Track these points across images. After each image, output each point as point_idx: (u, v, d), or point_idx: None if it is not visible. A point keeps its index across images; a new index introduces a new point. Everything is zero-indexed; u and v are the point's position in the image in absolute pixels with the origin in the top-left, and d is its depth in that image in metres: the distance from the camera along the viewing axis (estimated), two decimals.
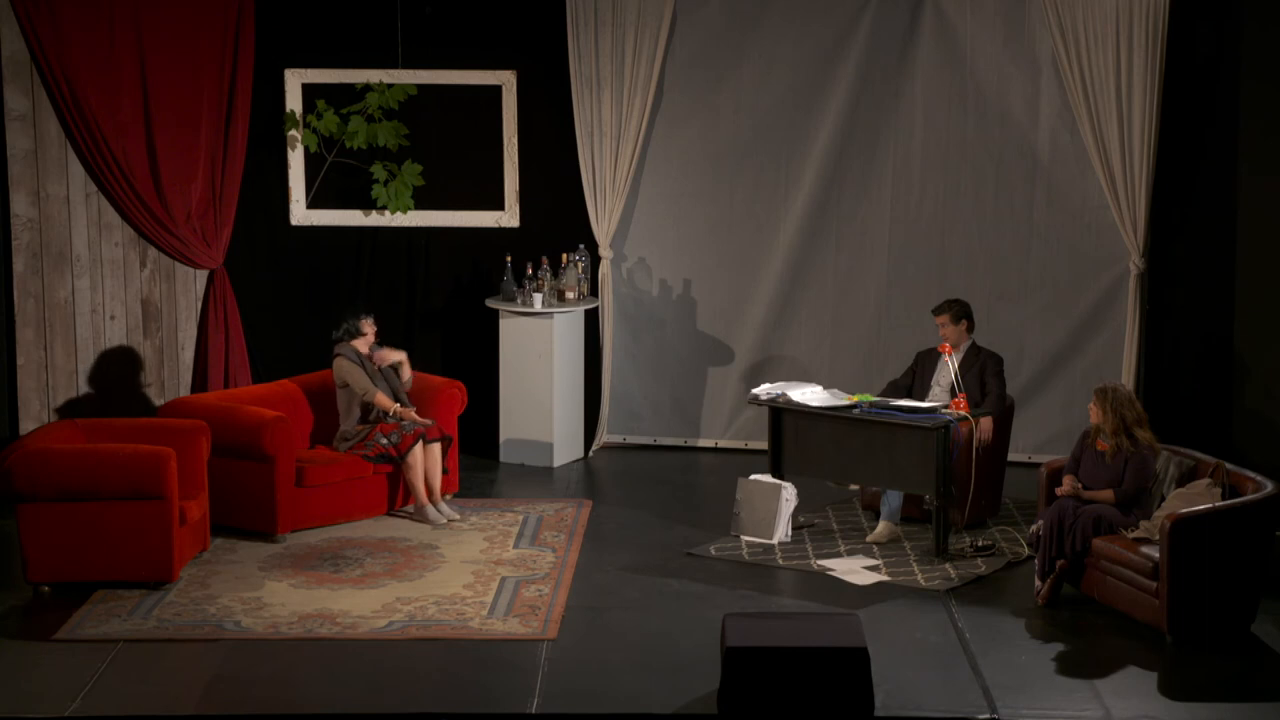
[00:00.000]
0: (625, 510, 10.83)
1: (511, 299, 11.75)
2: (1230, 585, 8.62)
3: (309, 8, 11.86)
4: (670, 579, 9.56)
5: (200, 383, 11.81)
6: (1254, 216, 11.15)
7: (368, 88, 11.83)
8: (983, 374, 10.32)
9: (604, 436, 12.19)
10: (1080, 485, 9.18)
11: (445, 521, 10.45)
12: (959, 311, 10.41)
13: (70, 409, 11.55)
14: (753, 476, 10.32)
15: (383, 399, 10.55)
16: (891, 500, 10.22)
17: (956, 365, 10.26)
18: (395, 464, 10.47)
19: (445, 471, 10.68)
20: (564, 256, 11.77)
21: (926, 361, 10.54)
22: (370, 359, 10.66)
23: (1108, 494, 9.09)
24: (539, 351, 11.63)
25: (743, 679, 7.60)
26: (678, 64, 11.82)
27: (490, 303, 11.82)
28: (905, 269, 11.87)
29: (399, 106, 11.85)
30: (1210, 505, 8.69)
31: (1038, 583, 9.15)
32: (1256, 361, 11.10)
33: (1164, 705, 7.93)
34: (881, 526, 10.19)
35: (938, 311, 10.47)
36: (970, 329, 10.45)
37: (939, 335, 10.45)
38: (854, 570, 9.67)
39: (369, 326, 10.70)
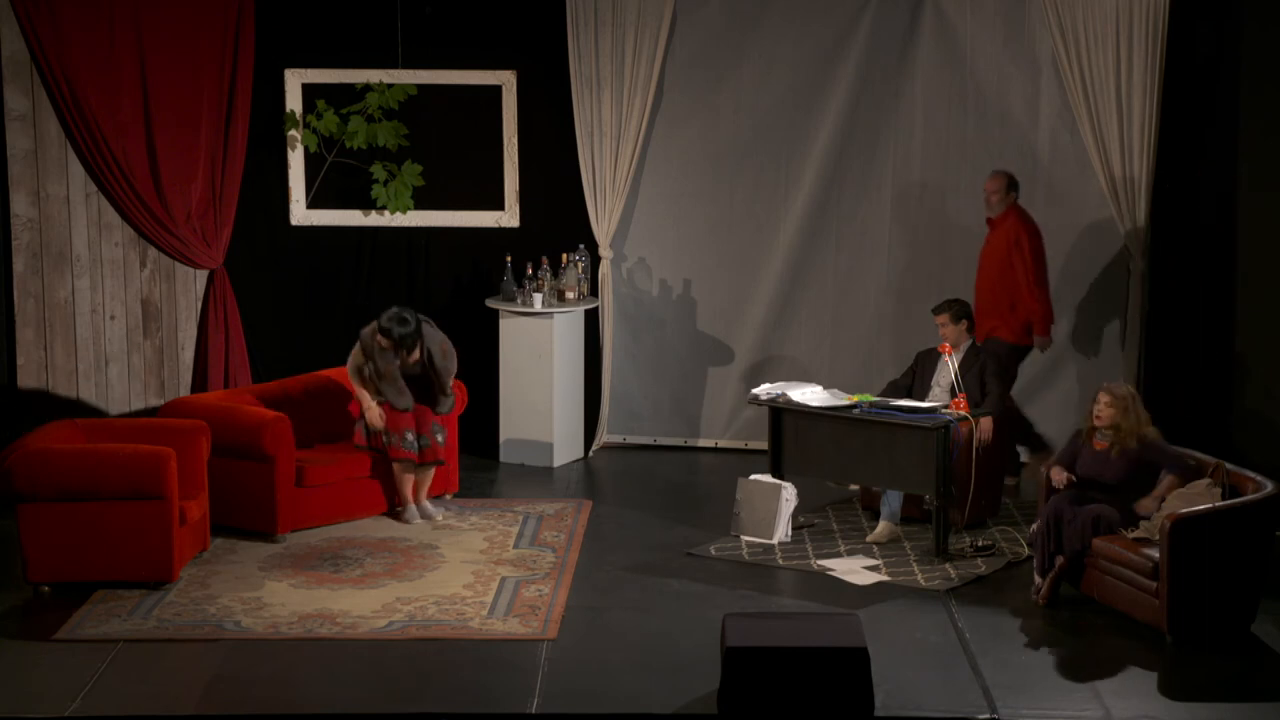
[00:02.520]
0: (625, 510, 10.83)
1: (511, 299, 11.75)
2: (1230, 585, 8.62)
3: (309, 8, 11.86)
4: (670, 579, 9.56)
5: (200, 383, 11.80)
6: (1254, 216, 11.14)
7: (368, 88, 11.83)
8: (983, 374, 10.32)
9: (604, 436, 12.19)
10: (1072, 477, 9.17)
11: (421, 521, 10.42)
12: (959, 311, 10.41)
13: (70, 409, 11.55)
14: (753, 476, 10.32)
15: (371, 416, 10.47)
16: (891, 500, 10.22)
17: (956, 365, 10.26)
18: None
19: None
20: (564, 256, 11.77)
21: (926, 361, 10.54)
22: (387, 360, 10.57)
23: (1171, 480, 9.02)
24: (539, 351, 11.63)
25: (743, 679, 7.60)
26: (678, 64, 11.82)
27: (490, 303, 11.82)
28: (905, 269, 11.86)
29: (399, 106, 11.85)
30: (1210, 505, 8.69)
31: (1037, 579, 9.14)
32: (1256, 361, 11.09)
33: (1164, 705, 7.93)
34: (881, 526, 10.19)
35: (937, 311, 10.46)
36: (970, 329, 10.45)
37: (939, 335, 10.45)
38: (854, 570, 9.67)
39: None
